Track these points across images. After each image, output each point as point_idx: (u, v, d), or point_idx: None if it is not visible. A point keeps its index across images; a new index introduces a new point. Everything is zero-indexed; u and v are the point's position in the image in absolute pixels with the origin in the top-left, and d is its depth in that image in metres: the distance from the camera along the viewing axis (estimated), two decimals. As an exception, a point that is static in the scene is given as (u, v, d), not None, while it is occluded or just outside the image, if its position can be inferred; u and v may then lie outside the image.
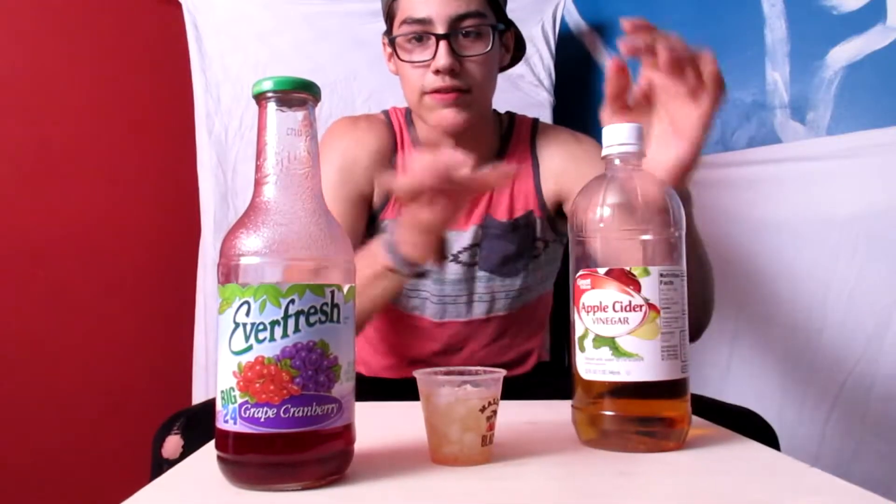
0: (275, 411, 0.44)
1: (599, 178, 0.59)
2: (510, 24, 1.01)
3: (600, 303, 0.55)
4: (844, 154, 1.06)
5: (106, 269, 1.51)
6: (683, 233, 0.58)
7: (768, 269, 1.17)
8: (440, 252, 0.75)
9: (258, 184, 0.48)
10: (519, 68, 1.34)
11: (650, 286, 0.54)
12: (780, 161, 1.16)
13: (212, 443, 0.48)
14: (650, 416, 0.55)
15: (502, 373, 0.54)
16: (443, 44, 0.91)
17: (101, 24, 1.53)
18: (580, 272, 0.57)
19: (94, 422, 1.47)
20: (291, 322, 0.44)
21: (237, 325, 0.45)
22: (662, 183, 0.59)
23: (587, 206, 0.58)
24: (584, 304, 0.56)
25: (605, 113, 0.69)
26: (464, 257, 1.01)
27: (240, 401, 0.44)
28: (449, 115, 0.94)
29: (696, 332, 0.81)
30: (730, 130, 1.25)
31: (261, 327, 0.44)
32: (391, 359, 1.08)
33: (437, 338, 1.05)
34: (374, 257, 0.77)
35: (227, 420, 0.45)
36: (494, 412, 0.53)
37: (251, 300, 0.44)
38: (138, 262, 1.53)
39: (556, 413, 0.65)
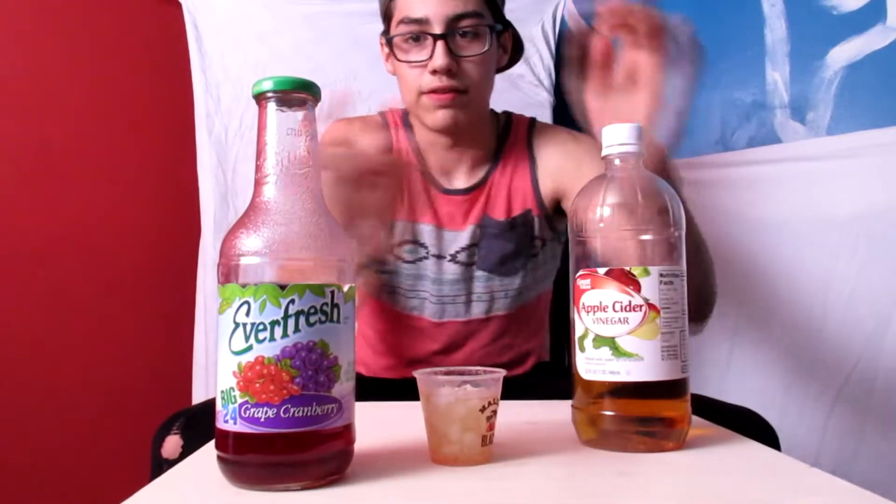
0: (275, 411, 0.44)
1: (599, 178, 0.59)
2: (508, 25, 1.01)
3: (600, 303, 0.55)
4: (844, 154, 1.06)
5: (106, 269, 1.51)
6: (683, 233, 0.58)
7: (768, 269, 1.17)
8: (383, 243, 0.75)
9: (258, 184, 0.48)
10: (519, 68, 1.34)
11: (650, 286, 0.54)
12: (780, 161, 1.16)
13: (212, 443, 0.48)
14: (650, 416, 0.55)
15: (502, 373, 0.54)
16: (440, 44, 0.91)
17: (101, 24, 1.53)
18: (580, 272, 0.57)
19: (94, 422, 1.47)
20: (291, 322, 0.44)
21: (237, 325, 0.45)
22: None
23: (587, 206, 0.57)
24: (584, 304, 0.56)
25: (590, 94, 0.69)
26: (462, 257, 1.01)
27: (240, 401, 0.44)
28: (446, 116, 0.94)
29: (696, 315, 0.79)
30: (730, 130, 1.25)
31: (261, 327, 0.44)
32: (391, 359, 1.08)
33: (436, 338, 1.05)
34: None
35: (227, 420, 0.45)
36: (494, 412, 0.53)
37: (251, 300, 0.44)
38: (138, 262, 1.53)
39: (556, 413, 0.65)
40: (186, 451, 0.76)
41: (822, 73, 1.09)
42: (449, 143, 1.00)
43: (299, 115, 0.48)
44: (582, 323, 0.57)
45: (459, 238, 1.01)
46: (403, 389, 0.70)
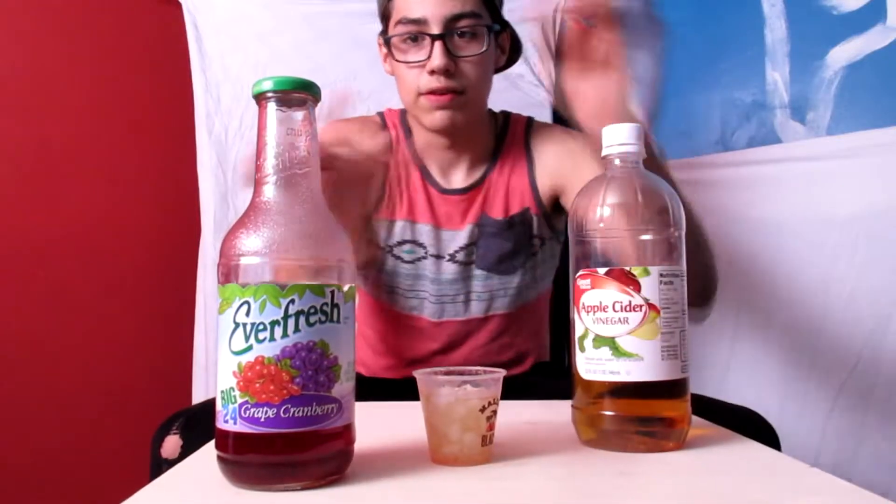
0: (275, 411, 0.44)
1: (599, 178, 0.59)
2: (506, 25, 1.02)
3: (600, 303, 0.55)
4: (844, 154, 1.06)
5: (106, 269, 1.51)
6: (683, 233, 0.58)
7: (768, 270, 1.17)
8: (370, 241, 0.74)
9: (258, 184, 0.48)
10: (519, 68, 1.34)
11: (650, 286, 0.54)
12: (780, 161, 1.16)
13: (212, 443, 0.48)
14: (650, 416, 0.55)
15: (502, 373, 0.54)
16: (438, 44, 0.91)
17: (101, 24, 1.53)
18: (580, 272, 0.57)
19: (94, 422, 1.47)
20: (291, 322, 0.44)
21: (237, 325, 0.45)
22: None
23: (587, 206, 0.57)
24: (584, 304, 0.56)
25: (568, 75, 0.69)
26: (460, 256, 1.02)
27: (240, 401, 0.44)
28: (444, 117, 0.95)
29: (699, 298, 0.78)
30: (730, 130, 1.25)
31: (261, 327, 0.44)
32: (390, 359, 1.08)
33: (436, 337, 1.05)
34: None
35: (227, 420, 0.45)
36: (494, 412, 0.53)
37: (251, 300, 0.44)
38: (138, 262, 1.53)
39: (556, 413, 0.65)
40: (186, 451, 0.76)
41: (822, 73, 1.09)
42: (447, 144, 1.01)
43: (299, 115, 0.48)
44: (582, 323, 0.57)
45: (458, 237, 1.02)
46: (403, 389, 0.70)
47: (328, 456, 0.46)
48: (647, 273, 0.54)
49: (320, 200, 0.49)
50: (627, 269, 0.55)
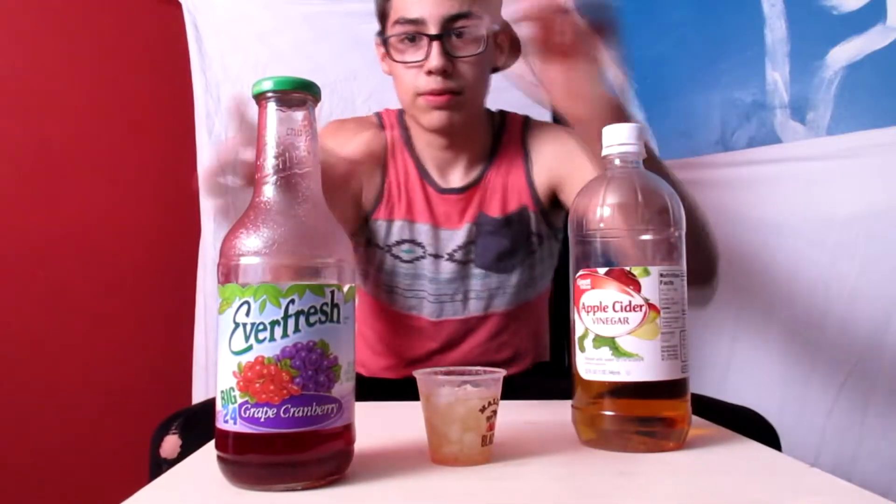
0: (275, 411, 0.44)
1: (599, 178, 0.59)
2: (505, 25, 1.01)
3: (600, 303, 0.55)
4: (844, 154, 1.06)
5: (106, 269, 1.51)
6: (683, 232, 0.58)
7: (768, 269, 1.17)
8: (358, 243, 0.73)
9: (258, 184, 0.48)
10: (519, 68, 1.34)
11: (650, 286, 0.54)
12: (780, 161, 1.16)
13: (211, 443, 0.48)
14: (650, 416, 0.55)
15: (502, 373, 0.54)
16: (435, 44, 0.91)
17: (101, 24, 1.53)
18: (580, 272, 0.57)
19: (94, 422, 1.47)
20: (291, 322, 0.44)
21: (237, 325, 0.45)
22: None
23: (587, 206, 0.58)
24: (584, 304, 0.56)
25: (539, 62, 0.70)
26: (458, 255, 1.02)
27: (240, 401, 0.44)
28: (441, 117, 0.95)
29: (700, 277, 0.77)
30: (730, 130, 1.25)
31: (261, 327, 0.44)
32: (390, 359, 1.09)
33: (435, 337, 1.05)
34: None
35: (227, 420, 0.45)
36: (494, 412, 0.53)
37: (251, 300, 0.44)
38: (138, 262, 1.53)
39: (556, 413, 0.65)
40: (185, 451, 0.76)
41: (822, 73, 1.09)
42: (444, 144, 1.01)
43: (299, 115, 0.48)
44: (582, 323, 0.57)
45: (456, 236, 1.02)
46: (403, 389, 0.70)
47: (328, 456, 0.46)
48: (647, 273, 0.54)
49: (320, 200, 0.49)
50: (627, 269, 0.55)
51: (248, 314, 0.44)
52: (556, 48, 0.68)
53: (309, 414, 0.45)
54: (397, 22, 0.93)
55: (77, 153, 1.51)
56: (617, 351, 0.54)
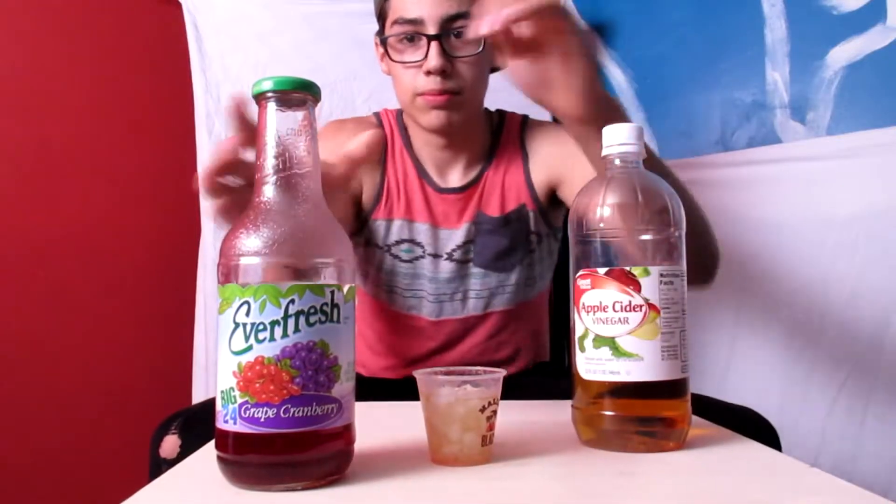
0: (275, 411, 0.44)
1: (599, 178, 0.59)
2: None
3: (600, 303, 0.55)
4: (844, 154, 1.06)
5: (106, 269, 1.51)
6: (683, 232, 0.58)
7: (768, 270, 1.17)
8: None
9: (258, 184, 0.48)
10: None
11: (650, 286, 0.54)
12: (780, 161, 1.16)
13: (211, 443, 0.48)
14: (650, 416, 0.55)
15: (502, 373, 0.54)
16: (434, 45, 0.91)
17: (101, 24, 1.53)
18: (580, 272, 0.57)
19: (94, 422, 1.47)
20: (291, 322, 0.44)
21: (237, 325, 0.45)
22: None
23: (587, 206, 0.58)
24: (584, 304, 0.56)
25: (503, 58, 0.66)
26: (457, 255, 1.02)
27: (240, 401, 0.44)
28: (440, 117, 0.95)
29: (698, 272, 0.75)
30: (730, 130, 1.25)
31: (261, 327, 0.44)
32: (390, 359, 1.09)
33: (434, 336, 1.05)
34: None
35: (227, 420, 0.45)
36: (494, 412, 0.53)
37: (251, 300, 0.44)
38: (138, 262, 1.53)
39: (556, 413, 0.65)
40: (184, 451, 0.76)
41: (822, 73, 1.09)
42: (443, 143, 1.01)
43: (299, 115, 0.48)
44: (582, 323, 0.57)
45: (454, 236, 1.02)
46: (403, 389, 0.70)
47: (328, 456, 0.46)
48: (647, 273, 0.54)
49: (320, 200, 0.49)
50: (627, 269, 0.55)
51: (248, 314, 0.44)
52: (517, 42, 0.65)
53: (309, 414, 0.45)
54: (396, 22, 0.93)
55: (77, 153, 1.51)
56: (617, 351, 0.54)
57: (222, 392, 0.45)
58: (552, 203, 1.04)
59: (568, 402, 0.60)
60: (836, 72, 1.07)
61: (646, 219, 0.56)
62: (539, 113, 1.22)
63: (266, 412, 0.44)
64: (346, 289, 0.48)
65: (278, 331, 0.44)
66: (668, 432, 0.55)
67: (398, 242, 1.02)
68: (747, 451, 0.57)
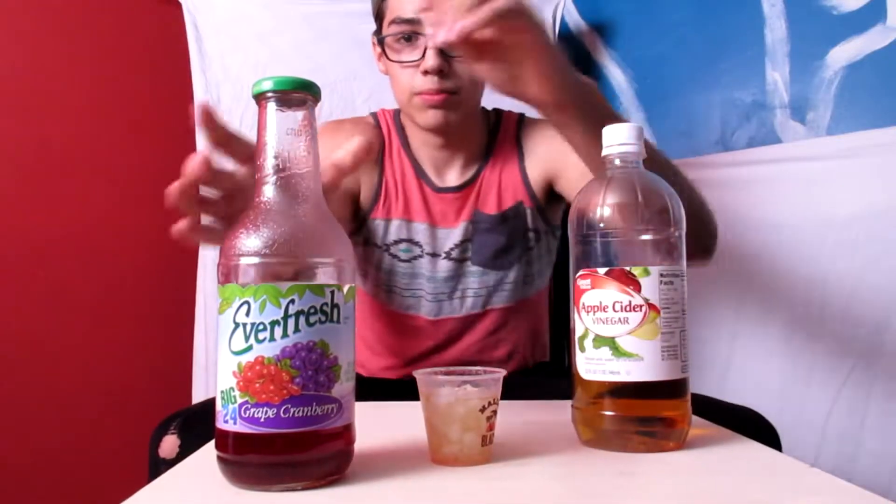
0: (275, 411, 0.44)
1: (599, 178, 0.59)
2: None
3: (600, 303, 0.55)
4: (844, 154, 1.06)
5: (106, 269, 1.51)
6: (683, 232, 0.58)
7: (768, 270, 1.17)
8: None
9: (258, 184, 0.48)
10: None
11: (650, 286, 0.54)
12: (780, 161, 1.16)
13: (211, 443, 0.48)
14: (650, 416, 0.55)
15: (502, 373, 0.54)
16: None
17: (101, 24, 1.53)
18: (580, 272, 0.57)
19: (94, 422, 1.47)
20: (291, 322, 0.44)
21: (237, 325, 0.45)
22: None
23: (587, 205, 0.58)
24: (584, 304, 0.56)
25: (467, 63, 0.66)
26: (455, 253, 1.02)
27: (240, 401, 0.44)
28: (437, 116, 0.95)
29: (696, 248, 0.73)
30: (730, 130, 1.25)
31: (261, 327, 0.44)
32: (389, 359, 1.09)
33: (433, 335, 1.05)
34: None
35: (227, 420, 0.45)
36: (494, 412, 0.53)
37: (251, 300, 0.44)
38: (138, 262, 1.53)
39: (556, 413, 0.65)
40: (183, 451, 0.76)
41: (822, 73, 1.09)
42: (441, 143, 1.01)
43: (299, 115, 0.48)
44: (582, 323, 0.57)
45: (452, 235, 1.02)
46: (403, 389, 0.70)
47: (328, 456, 0.46)
48: (647, 273, 0.54)
49: (320, 200, 0.49)
50: (627, 269, 0.55)
51: (248, 314, 0.44)
52: (478, 47, 0.63)
53: (309, 414, 0.45)
54: (393, 22, 0.93)
55: (77, 153, 1.50)
56: (617, 351, 0.54)
57: (222, 392, 0.45)
58: (549, 200, 1.04)
59: (568, 402, 0.60)
60: (836, 72, 1.07)
61: (646, 219, 0.56)
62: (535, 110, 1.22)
63: (266, 412, 0.44)
64: (345, 289, 0.48)
65: (278, 331, 0.44)
66: (668, 432, 0.55)
67: (396, 242, 1.02)
68: (747, 451, 0.57)
